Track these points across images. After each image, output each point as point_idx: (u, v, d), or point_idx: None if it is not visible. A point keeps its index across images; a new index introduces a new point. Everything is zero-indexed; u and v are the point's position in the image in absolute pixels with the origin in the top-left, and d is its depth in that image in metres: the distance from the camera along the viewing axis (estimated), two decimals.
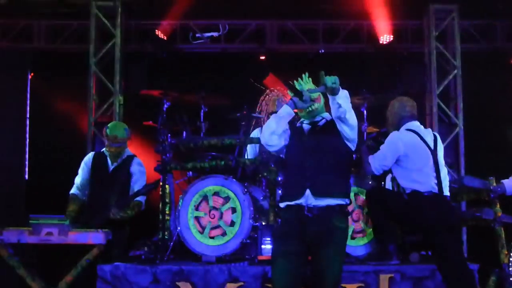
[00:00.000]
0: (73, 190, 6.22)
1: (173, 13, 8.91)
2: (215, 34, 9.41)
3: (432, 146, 5.42)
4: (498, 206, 5.55)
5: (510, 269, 5.62)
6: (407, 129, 5.49)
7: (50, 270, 5.64)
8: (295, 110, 4.57)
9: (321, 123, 4.65)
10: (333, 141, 4.51)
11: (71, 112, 9.22)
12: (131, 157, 6.24)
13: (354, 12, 9.17)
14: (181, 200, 5.90)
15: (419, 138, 5.41)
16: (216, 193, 5.83)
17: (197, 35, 9.37)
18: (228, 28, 9.50)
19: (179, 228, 5.82)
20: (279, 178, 5.82)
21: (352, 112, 4.45)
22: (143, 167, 6.26)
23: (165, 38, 9.06)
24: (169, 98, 6.65)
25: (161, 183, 5.98)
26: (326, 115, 4.70)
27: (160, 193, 5.98)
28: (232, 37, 9.53)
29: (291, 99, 4.54)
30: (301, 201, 4.39)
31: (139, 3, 9.07)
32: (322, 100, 4.68)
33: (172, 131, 6.47)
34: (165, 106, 6.58)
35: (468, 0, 8.76)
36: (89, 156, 6.35)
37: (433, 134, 5.57)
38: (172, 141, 6.36)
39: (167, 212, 6.18)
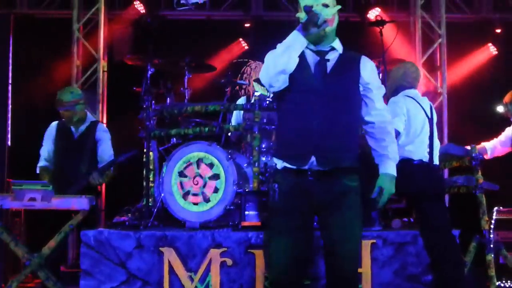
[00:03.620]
0: (41, 163, 6.16)
1: None
2: (200, 0, 9.39)
3: (429, 114, 5.43)
4: (479, 173, 5.61)
5: (491, 235, 5.71)
6: (406, 96, 5.47)
7: (34, 235, 5.65)
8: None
9: (332, 56, 3.74)
10: (347, 85, 3.72)
11: (55, 79, 9.13)
12: (95, 123, 6.22)
13: None
14: (165, 167, 5.90)
15: (418, 105, 5.41)
16: (200, 160, 5.83)
17: (181, 1, 9.35)
18: None
19: (162, 194, 5.82)
20: (263, 145, 5.81)
21: None
22: (108, 133, 6.26)
23: (149, 3, 8.97)
24: (153, 65, 6.60)
25: (145, 150, 5.98)
26: (337, 43, 3.79)
27: (144, 159, 5.97)
28: (217, 4, 9.47)
29: (301, 22, 3.62)
30: (303, 166, 3.69)
31: None
32: (336, 21, 3.76)
33: (156, 98, 6.44)
34: (149, 72, 6.53)
35: None
36: (52, 125, 6.25)
37: (429, 103, 5.58)
38: (156, 107, 6.34)
39: (151, 178, 6.18)
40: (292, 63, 3.59)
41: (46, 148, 6.17)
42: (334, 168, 3.67)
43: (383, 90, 3.95)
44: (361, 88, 3.80)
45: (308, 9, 3.56)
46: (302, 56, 3.68)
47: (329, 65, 3.71)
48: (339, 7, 3.71)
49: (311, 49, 3.73)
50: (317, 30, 3.59)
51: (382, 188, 3.90)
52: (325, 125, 3.62)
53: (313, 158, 3.63)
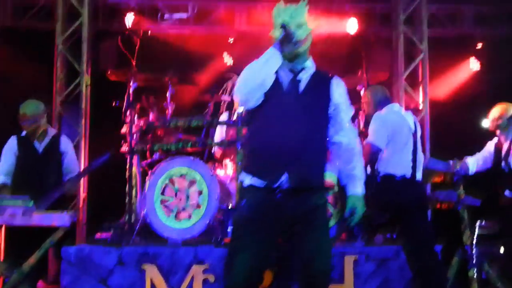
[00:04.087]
0: (1, 180, 5.95)
1: None
2: (183, 15, 9.40)
3: (413, 128, 5.45)
4: (461, 188, 5.64)
5: (473, 250, 5.73)
6: (390, 110, 5.49)
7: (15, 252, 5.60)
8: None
9: (305, 75, 3.78)
10: (319, 105, 3.74)
11: (37, 92, 9.05)
12: (57, 135, 6.11)
13: None
14: (147, 182, 5.89)
15: (402, 119, 5.43)
16: (183, 175, 5.82)
17: (165, 16, 9.36)
18: (197, 10, 9.50)
19: (145, 210, 5.80)
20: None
21: None
22: (71, 144, 6.18)
23: (133, 18, 8.95)
24: (136, 79, 6.60)
25: (127, 165, 5.96)
26: (309, 62, 3.83)
27: (127, 175, 5.95)
28: (201, 19, 9.48)
29: (277, 40, 3.64)
30: (273, 184, 3.65)
31: None
32: (309, 41, 3.79)
33: (138, 113, 6.43)
34: (132, 87, 6.53)
35: None
36: (12, 140, 6.05)
37: (413, 117, 5.60)
38: (139, 122, 6.33)
39: (133, 194, 6.16)
40: (268, 79, 3.61)
41: (6, 164, 5.97)
42: (304, 186, 3.66)
43: (351, 111, 3.98)
44: (331, 108, 3.82)
45: (284, 26, 3.59)
46: (276, 75, 3.69)
47: (302, 84, 3.74)
48: (312, 27, 3.73)
49: (284, 68, 3.74)
50: (292, 48, 3.63)
51: (354, 209, 3.88)
52: (297, 143, 3.62)
53: (285, 176, 3.61)
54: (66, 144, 6.07)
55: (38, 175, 5.86)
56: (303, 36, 3.68)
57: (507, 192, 5.72)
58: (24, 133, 6.05)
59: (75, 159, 6.15)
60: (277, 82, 3.67)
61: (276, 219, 3.67)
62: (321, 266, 3.70)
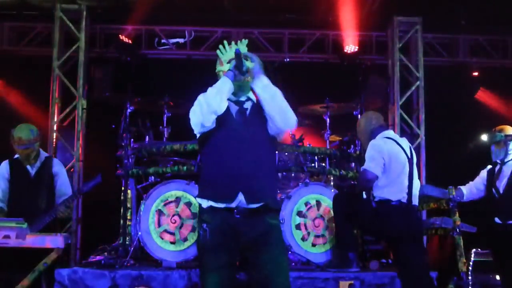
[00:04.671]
0: None
1: (139, 18, 8.86)
2: (180, 40, 9.46)
3: (409, 155, 5.44)
4: (457, 215, 5.62)
5: (469, 277, 5.70)
6: (385, 137, 5.49)
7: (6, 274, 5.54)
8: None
9: (248, 105, 4.07)
10: (263, 131, 4.00)
11: (34, 116, 9.07)
12: (49, 158, 6.06)
13: (319, 22, 9.25)
14: (142, 205, 5.86)
15: (398, 146, 5.42)
16: (178, 198, 5.80)
17: (162, 40, 9.42)
18: (194, 35, 9.56)
19: (139, 233, 5.77)
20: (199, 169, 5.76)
21: (276, 97, 3.94)
22: (63, 166, 6.13)
23: (130, 43, 9.00)
24: (133, 103, 6.61)
25: (122, 188, 5.95)
26: (251, 95, 4.12)
27: (122, 198, 5.93)
28: (198, 44, 9.54)
29: (230, 69, 3.93)
30: (231, 205, 3.85)
31: (105, 7, 8.99)
32: (252, 75, 4.02)
33: (134, 136, 6.43)
34: (129, 110, 6.54)
35: (431, 14, 8.87)
36: (3, 165, 6.02)
37: (409, 144, 5.60)
38: (135, 146, 6.33)
39: (128, 217, 6.14)
40: (223, 105, 3.87)
41: (0, 188, 5.97)
42: (259, 206, 3.86)
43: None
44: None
45: (238, 53, 3.87)
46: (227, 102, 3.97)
47: (247, 112, 4.04)
48: (253, 64, 3.98)
49: (231, 99, 4.02)
50: (242, 76, 3.92)
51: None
52: (249, 165, 3.86)
53: (241, 196, 3.82)
54: (58, 166, 6.03)
55: (30, 198, 5.81)
56: (251, 66, 3.96)
57: (497, 219, 5.70)
58: (16, 156, 6.03)
59: (68, 181, 6.10)
60: (226, 112, 3.93)
61: (236, 240, 3.86)
62: (280, 285, 3.86)
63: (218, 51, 4.14)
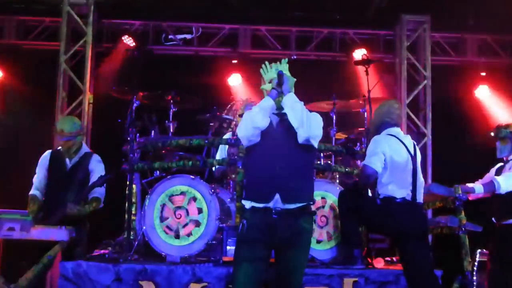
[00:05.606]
0: (32, 191, 5.99)
1: (146, 14, 8.87)
2: (188, 36, 9.47)
3: (412, 152, 5.42)
4: (463, 213, 5.59)
5: (474, 277, 5.67)
6: (388, 134, 5.46)
7: (11, 266, 5.55)
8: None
9: (285, 117, 4.46)
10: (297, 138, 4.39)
11: (41, 110, 9.09)
12: (89, 154, 6.05)
13: (327, 20, 9.25)
14: (147, 200, 5.85)
15: (400, 143, 5.40)
16: (183, 193, 5.79)
17: (169, 36, 9.43)
18: (201, 31, 9.57)
19: (144, 227, 5.76)
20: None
21: (296, 111, 4.32)
22: (102, 164, 6.04)
23: (138, 38, 9.02)
24: (139, 97, 6.60)
25: (127, 182, 5.93)
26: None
27: (127, 192, 5.92)
28: (205, 40, 9.55)
29: (273, 88, 4.40)
30: (269, 204, 4.30)
31: (112, 2, 9.00)
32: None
33: (140, 130, 6.42)
34: (135, 105, 6.53)
35: (439, 13, 8.85)
36: (46, 155, 6.10)
37: (412, 141, 5.57)
38: (140, 140, 6.32)
39: (133, 212, 6.12)
40: (265, 121, 4.35)
41: (38, 177, 6.02)
42: (295, 207, 4.32)
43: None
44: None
45: (281, 74, 4.37)
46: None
47: (286, 123, 4.42)
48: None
49: (274, 111, 4.46)
50: (283, 94, 4.37)
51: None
52: (286, 170, 4.32)
53: (277, 196, 4.28)
54: (95, 163, 5.99)
55: (62, 191, 5.83)
56: (292, 83, 4.48)
57: (493, 219, 5.68)
58: (59, 148, 6.08)
59: None
60: (270, 124, 4.41)
61: (271, 237, 4.30)
62: (295, 283, 4.37)
63: (261, 70, 4.57)
